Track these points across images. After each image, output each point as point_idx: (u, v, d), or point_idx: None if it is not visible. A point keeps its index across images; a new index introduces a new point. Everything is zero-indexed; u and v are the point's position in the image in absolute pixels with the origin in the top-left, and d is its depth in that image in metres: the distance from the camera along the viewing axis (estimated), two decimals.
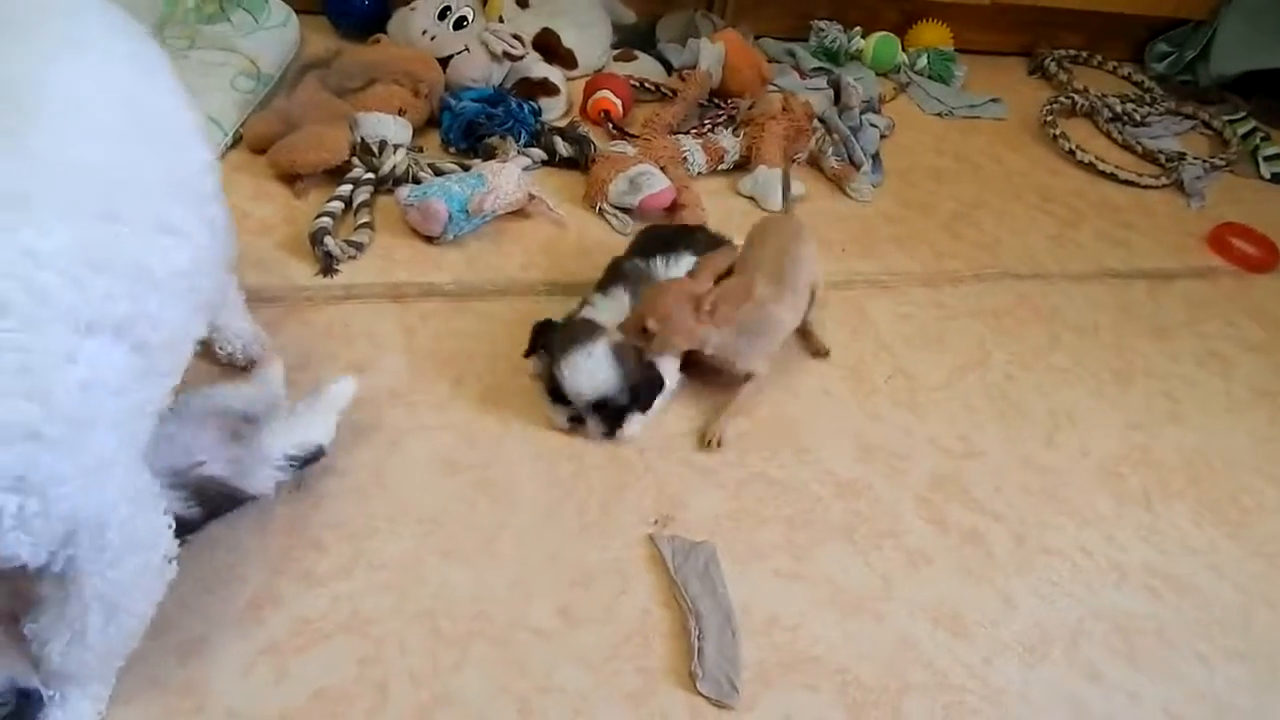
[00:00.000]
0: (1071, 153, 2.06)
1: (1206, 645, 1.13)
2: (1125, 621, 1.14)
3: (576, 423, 1.20)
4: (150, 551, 0.79)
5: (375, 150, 1.52)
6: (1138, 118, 2.28)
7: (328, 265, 1.36)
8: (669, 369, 1.24)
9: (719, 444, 1.23)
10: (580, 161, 1.66)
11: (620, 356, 1.16)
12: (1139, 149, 2.16)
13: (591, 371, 1.15)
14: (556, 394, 1.18)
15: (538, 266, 1.46)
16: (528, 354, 1.24)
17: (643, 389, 1.19)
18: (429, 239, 1.45)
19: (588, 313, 1.24)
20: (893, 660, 1.04)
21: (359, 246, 1.40)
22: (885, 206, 1.79)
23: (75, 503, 0.68)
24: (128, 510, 0.74)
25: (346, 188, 1.47)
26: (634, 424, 1.21)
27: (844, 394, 1.37)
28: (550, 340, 1.20)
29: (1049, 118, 2.15)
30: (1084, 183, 2.01)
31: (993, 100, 2.23)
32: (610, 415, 1.18)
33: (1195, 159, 2.13)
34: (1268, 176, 2.19)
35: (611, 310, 1.24)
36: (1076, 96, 2.27)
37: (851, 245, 1.66)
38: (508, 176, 1.48)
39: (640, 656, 0.99)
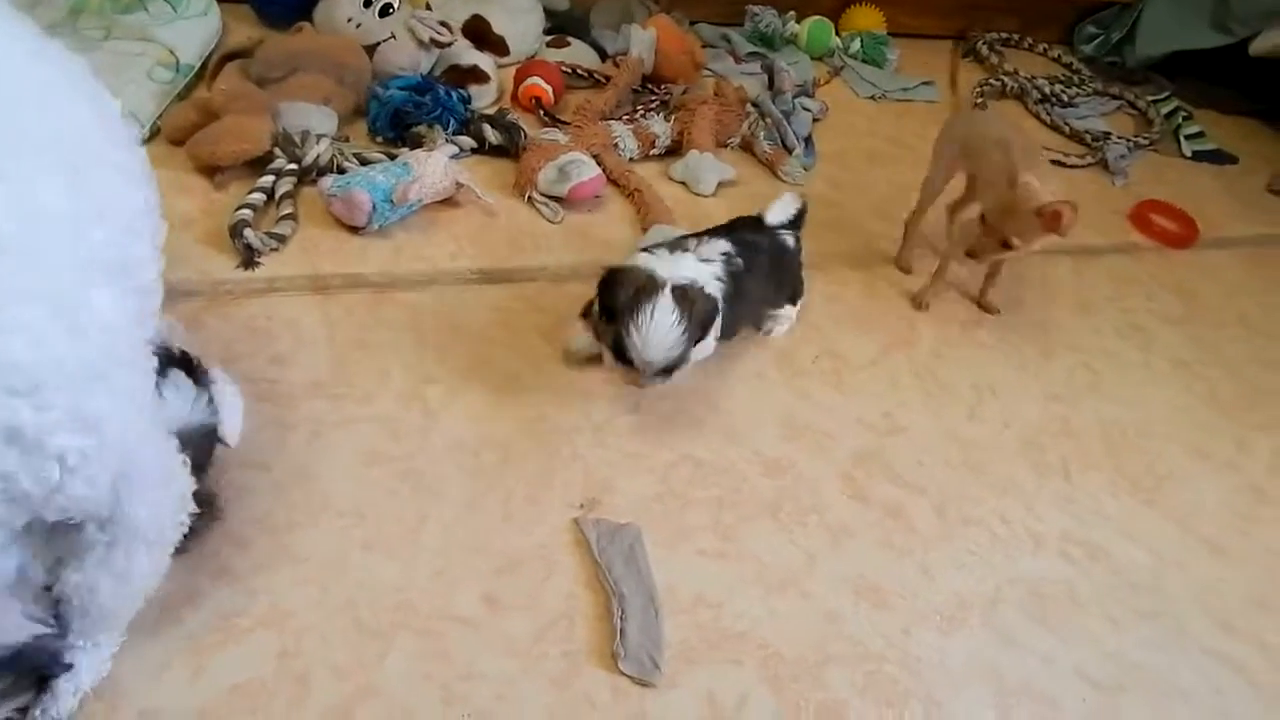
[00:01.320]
0: None
1: (1118, 607, 1.17)
2: (1040, 587, 1.17)
3: (634, 383, 1.20)
4: (175, 483, 0.84)
5: (298, 141, 1.49)
6: (1066, 98, 2.33)
7: (249, 258, 1.34)
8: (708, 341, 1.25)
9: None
10: (510, 149, 1.66)
11: (683, 304, 1.14)
12: (1066, 129, 2.21)
13: (661, 335, 1.13)
14: (623, 357, 1.16)
15: (467, 255, 1.45)
16: (584, 314, 1.27)
17: (704, 327, 1.18)
18: (354, 229, 1.43)
19: (647, 263, 1.20)
20: (815, 634, 1.06)
21: (281, 239, 1.38)
22: (818, 189, 1.81)
23: (124, 440, 0.71)
24: (153, 446, 0.79)
25: (268, 179, 1.45)
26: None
27: (773, 375, 1.38)
28: (614, 299, 1.16)
29: (980, 99, 2.19)
30: None
31: (925, 83, 2.26)
32: (672, 372, 1.18)
33: (1120, 138, 2.18)
34: (1189, 155, 2.26)
35: (671, 267, 1.20)
36: (1006, 79, 2.31)
37: None
38: (434, 165, 1.46)
39: (565, 640, 1.00)
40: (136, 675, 0.89)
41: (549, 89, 1.79)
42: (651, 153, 1.76)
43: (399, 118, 1.62)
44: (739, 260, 1.26)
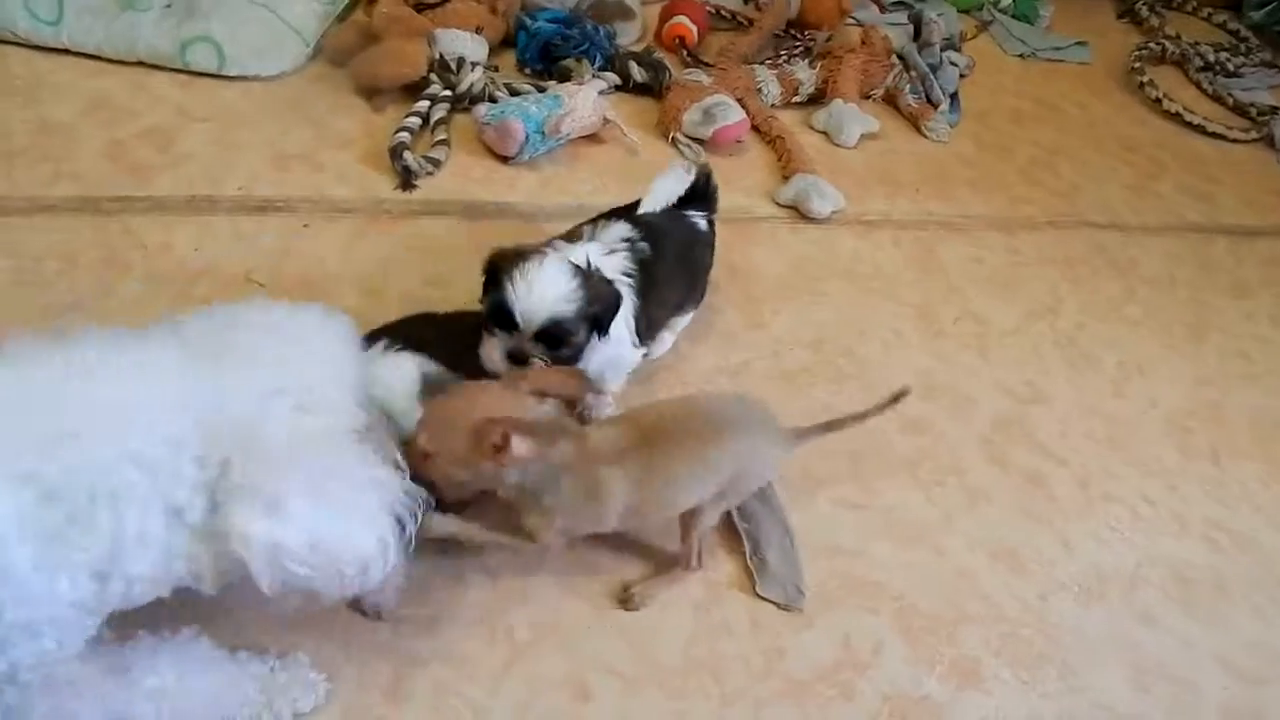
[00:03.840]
0: (1158, 101, 1.98)
1: (1266, 600, 1.13)
2: (1183, 570, 1.14)
3: (515, 360, 0.99)
4: None
5: (453, 67, 1.52)
6: (1230, 68, 2.18)
7: (406, 180, 1.38)
8: (663, 338, 1.16)
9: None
10: (654, 88, 1.65)
11: (580, 275, 0.98)
12: (1229, 101, 2.07)
13: (546, 287, 0.96)
14: (500, 317, 0.97)
15: (609, 191, 1.46)
16: (485, 291, 1.01)
17: (602, 313, 0.99)
18: (503, 158, 1.46)
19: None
20: (950, 591, 1.06)
21: (436, 163, 1.42)
22: (961, 148, 1.75)
23: None
24: None
25: (424, 104, 1.48)
26: (664, 340, 1.18)
27: (911, 333, 1.36)
28: (498, 263, 1.00)
29: (1136, 64, 2.07)
30: (1169, 133, 1.94)
31: (1078, 43, 2.15)
32: (557, 347, 0.98)
33: None
34: None
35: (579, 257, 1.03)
36: (1167, 43, 2.17)
37: (925, 186, 1.64)
38: (584, 99, 1.47)
39: (707, 569, 1.02)
40: None
41: (693, 29, 1.76)
42: (794, 100, 1.73)
43: (548, 50, 1.62)
44: (644, 246, 1.08)
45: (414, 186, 1.38)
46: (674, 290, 1.16)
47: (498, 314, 0.97)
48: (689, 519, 0.98)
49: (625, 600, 0.98)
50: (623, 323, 1.06)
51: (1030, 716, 0.97)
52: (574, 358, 1.01)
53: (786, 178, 1.54)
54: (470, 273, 1.27)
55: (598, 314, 0.99)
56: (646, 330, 1.11)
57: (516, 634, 0.94)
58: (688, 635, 0.97)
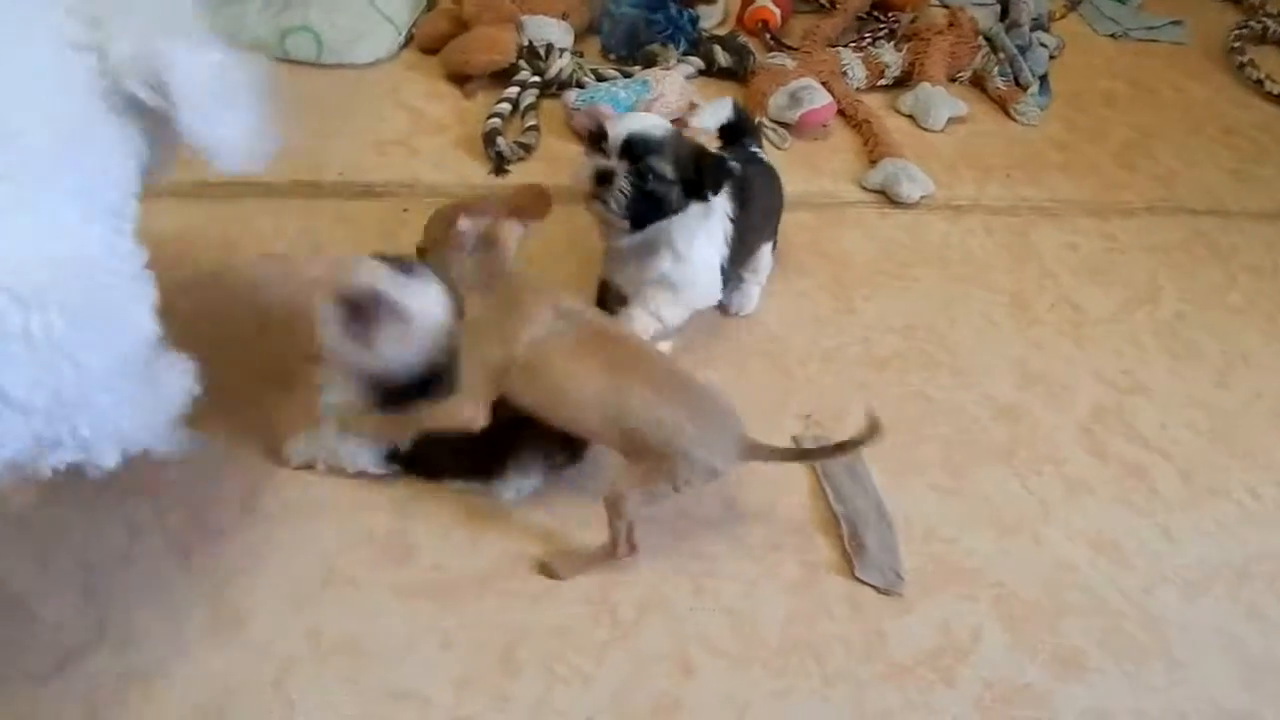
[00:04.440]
0: (1259, 83, 1.91)
1: None
2: None
3: (601, 180, 1.01)
4: None
5: (542, 54, 1.54)
6: None
7: (499, 165, 1.40)
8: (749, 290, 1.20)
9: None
10: (739, 72, 1.65)
11: (680, 138, 1.04)
12: None
13: (641, 117, 1.06)
14: (596, 137, 1.03)
15: None
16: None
17: (699, 164, 1.02)
18: None
19: None
20: (1050, 580, 1.05)
21: (527, 148, 1.44)
22: (1052, 131, 1.71)
23: None
24: None
25: (514, 90, 1.50)
26: (751, 293, 1.21)
27: (1005, 320, 1.35)
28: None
29: (1236, 44, 1.99)
30: (1272, 116, 1.87)
31: (1173, 23, 2.07)
32: (644, 173, 1.00)
33: None
34: None
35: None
36: (1269, 21, 2.08)
37: (1016, 170, 1.60)
38: (672, 84, 1.48)
39: (803, 550, 1.03)
40: None
41: (777, 12, 1.75)
42: (879, 83, 1.71)
43: (633, 35, 1.63)
44: (736, 165, 1.09)
45: (507, 171, 1.40)
46: (759, 216, 1.18)
47: (593, 135, 1.03)
48: (611, 504, 0.93)
49: (545, 569, 0.97)
50: (720, 234, 1.09)
51: (1136, 709, 0.96)
52: (657, 197, 1.01)
53: (874, 162, 1.53)
54: (566, 255, 1.31)
55: (689, 158, 1.01)
56: (734, 259, 1.13)
57: (620, 611, 0.96)
58: (787, 616, 0.99)
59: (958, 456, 1.16)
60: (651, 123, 1.04)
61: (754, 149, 1.23)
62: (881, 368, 1.25)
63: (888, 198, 1.49)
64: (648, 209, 1.03)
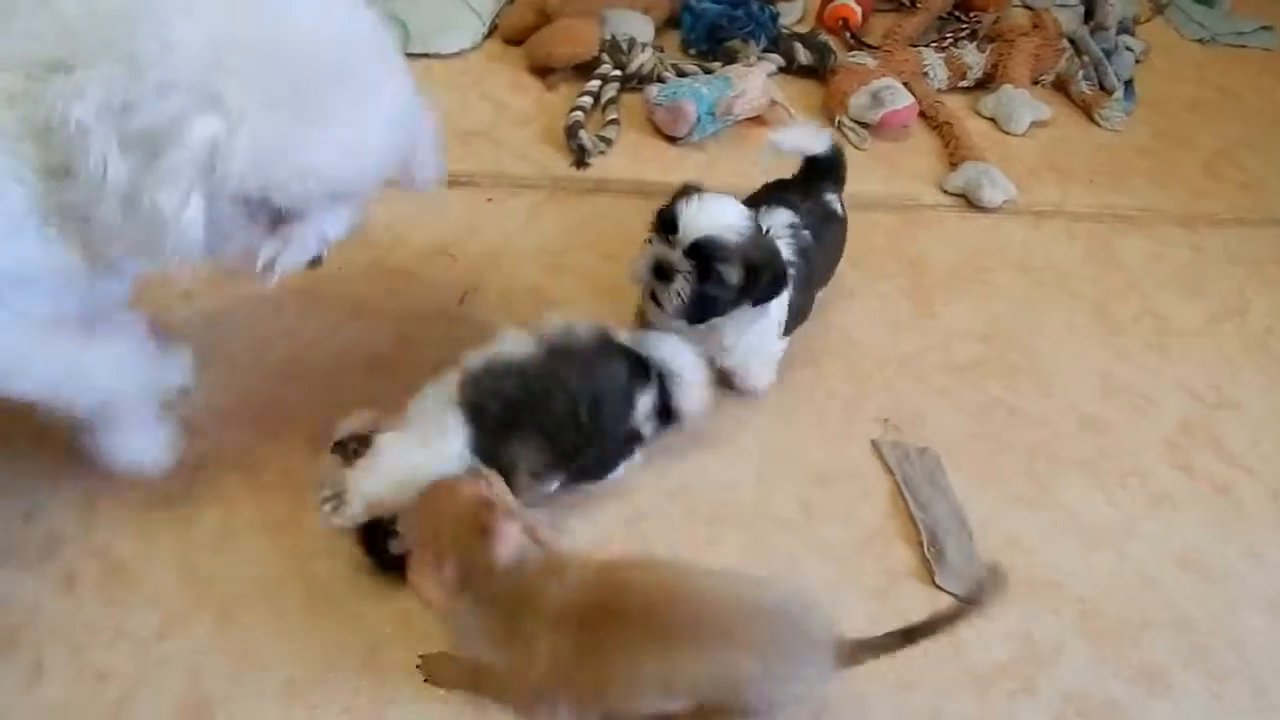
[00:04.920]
0: None
1: None
2: None
3: (660, 275, 0.97)
4: None
5: (624, 47, 1.54)
6: None
7: (581, 158, 1.42)
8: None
9: None
10: (819, 70, 1.64)
11: (754, 223, 0.98)
12: None
13: (718, 208, 0.96)
14: (663, 222, 0.97)
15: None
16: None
17: (764, 274, 0.96)
18: (671, 139, 1.48)
19: None
20: (1134, 596, 1.04)
21: (608, 141, 1.45)
22: (1137, 137, 1.68)
23: None
24: None
25: (595, 83, 1.51)
26: (761, 372, 1.10)
27: (1088, 329, 1.32)
28: (686, 188, 1.01)
29: None
30: None
31: (1264, 28, 2.01)
32: (706, 273, 0.95)
33: None
34: None
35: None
36: None
37: (1100, 177, 1.57)
38: (754, 81, 1.48)
39: (882, 556, 1.03)
40: None
41: (857, 10, 1.74)
42: (960, 84, 1.68)
43: (714, 31, 1.63)
44: (806, 234, 1.06)
45: (588, 164, 1.42)
46: (822, 278, 1.15)
47: (662, 219, 0.98)
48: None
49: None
50: (775, 324, 1.05)
51: None
52: (716, 301, 0.96)
53: (954, 164, 1.51)
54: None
55: (757, 266, 0.95)
56: (793, 320, 1.09)
57: None
58: (866, 619, 0.97)
59: (1040, 466, 1.15)
60: (728, 221, 0.96)
61: (831, 197, 1.16)
62: (961, 374, 1.24)
63: (968, 201, 1.47)
64: (704, 311, 0.98)
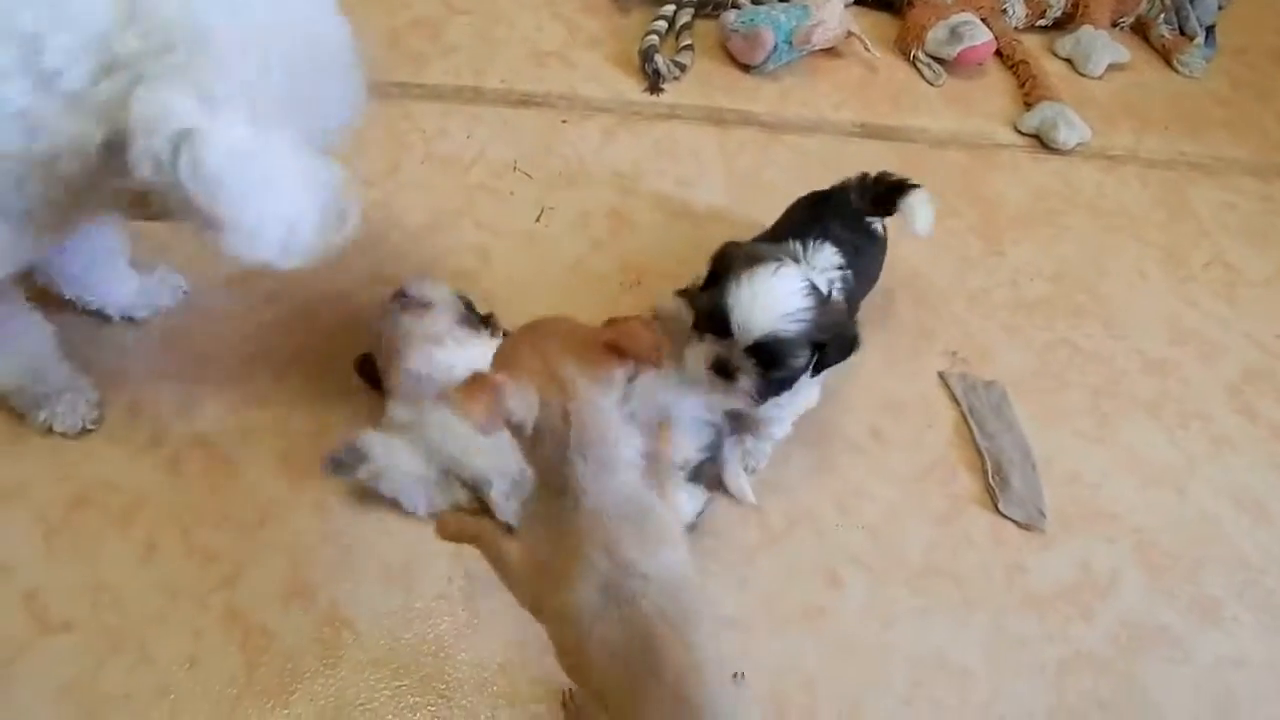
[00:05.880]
0: None
1: None
2: None
3: (720, 372, 0.88)
4: None
5: None
6: None
7: (655, 83, 1.41)
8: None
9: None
10: (894, 3, 1.61)
11: (815, 296, 0.86)
12: None
13: (775, 298, 0.84)
14: (714, 320, 0.86)
15: (849, 107, 1.46)
16: (704, 286, 0.91)
17: (833, 345, 0.88)
18: (745, 67, 1.47)
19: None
20: (1191, 532, 1.07)
21: (682, 68, 1.44)
22: (1216, 85, 1.64)
23: None
24: None
25: (670, 8, 1.49)
26: (787, 423, 0.99)
27: (1158, 275, 1.33)
28: (725, 261, 0.89)
29: None
30: None
31: None
32: (771, 366, 0.86)
33: None
34: None
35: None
36: None
37: (1175, 124, 1.55)
38: (832, 11, 1.45)
39: (947, 483, 1.07)
40: None
41: None
42: (1038, 23, 1.65)
43: None
44: (849, 274, 0.96)
45: (661, 90, 1.41)
46: (857, 307, 1.03)
47: (712, 316, 0.86)
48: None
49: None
50: (818, 386, 0.97)
51: (1271, 659, 0.98)
52: (787, 382, 0.89)
53: (1029, 105, 1.49)
54: (717, 178, 1.33)
55: (824, 344, 0.87)
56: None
57: (770, 520, 1.01)
58: (929, 543, 1.02)
59: (1105, 405, 1.17)
60: (786, 309, 0.84)
61: (877, 224, 1.07)
62: (1030, 312, 1.25)
63: (1042, 142, 1.46)
64: (774, 394, 0.90)
